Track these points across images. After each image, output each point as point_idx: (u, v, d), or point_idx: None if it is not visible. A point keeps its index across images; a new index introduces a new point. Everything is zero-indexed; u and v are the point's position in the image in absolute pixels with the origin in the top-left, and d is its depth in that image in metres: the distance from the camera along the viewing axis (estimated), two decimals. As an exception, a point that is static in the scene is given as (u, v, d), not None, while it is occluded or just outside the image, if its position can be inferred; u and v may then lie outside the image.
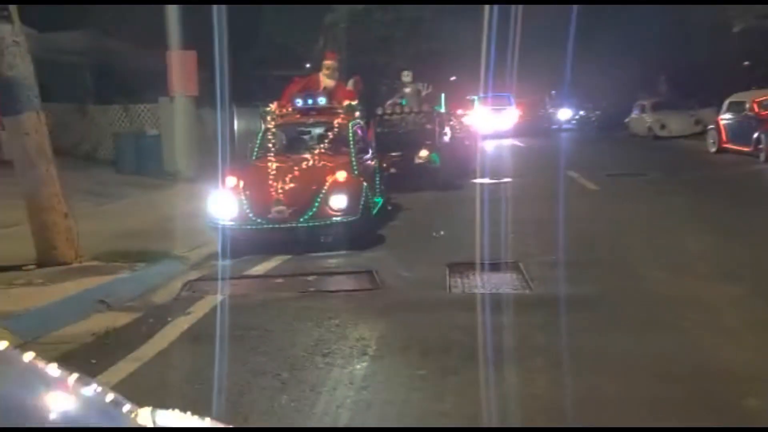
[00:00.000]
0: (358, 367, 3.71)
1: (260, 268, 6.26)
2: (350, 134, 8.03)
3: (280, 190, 6.90)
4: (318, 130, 8.28)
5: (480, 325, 4.32)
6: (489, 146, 21.02)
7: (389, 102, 13.20)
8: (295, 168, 7.26)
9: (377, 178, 9.08)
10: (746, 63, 23.44)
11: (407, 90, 13.55)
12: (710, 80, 24.03)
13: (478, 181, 12.86)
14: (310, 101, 8.34)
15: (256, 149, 8.12)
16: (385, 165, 9.96)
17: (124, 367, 3.79)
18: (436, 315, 4.65)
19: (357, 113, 8.52)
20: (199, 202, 7.78)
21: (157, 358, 3.96)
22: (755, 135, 14.06)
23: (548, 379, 3.43)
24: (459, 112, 24.66)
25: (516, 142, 23.78)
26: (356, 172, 7.81)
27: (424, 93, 13.59)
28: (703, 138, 19.93)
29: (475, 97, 26.45)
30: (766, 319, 4.20)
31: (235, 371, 3.58)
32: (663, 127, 22.21)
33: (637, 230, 7.52)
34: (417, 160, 11.64)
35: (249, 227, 6.84)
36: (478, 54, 18.11)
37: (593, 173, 12.83)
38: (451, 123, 16.00)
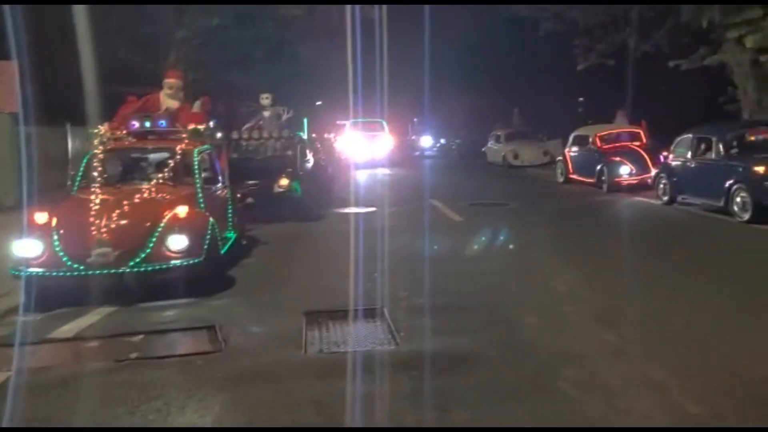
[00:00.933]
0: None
1: (72, 327, 5.08)
2: (195, 162, 7.06)
3: (103, 229, 5.77)
4: (157, 157, 7.21)
5: (337, 398, 3.60)
6: (357, 174, 20.15)
7: (246, 126, 12.27)
8: (126, 201, 6.15)
9: (229, 211, 8.14)
10: (580, 99, 25.37)
11: (266, 113, 12.69)
12: (556, 114, 25.69)
13: (341, 210, 12.30)
14: (147, 124, 7.26)
15: (78, 178, 6.88)
16: (240, 195, 9.03)
17: None
18: (287, 386, 3.86)
19: (204, 138, 7.56)
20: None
21: None
22: (598, 167, 14.88)
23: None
24: (329, 135, 24.20)
25: (384, 170, 22.37)
26: (202, 206, 6.84)
27: (285, 117, 12.79)
28: (552, 168, 21.25)
29: (346, 122, 25.21)
30: (644, 373, 3.88)
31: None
32: (516, 156, 23.24)
33: (504, 267, 7.25)
34: (276, 189, 10.81)
35: (62, 274, 5.63)
36: (344, 78, 17.75)
37: (456, 203, 12.78)
38: (318, 147, 15.41)
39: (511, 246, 8.61)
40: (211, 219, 6.46)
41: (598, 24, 15.51)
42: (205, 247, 6.11)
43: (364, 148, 23.65)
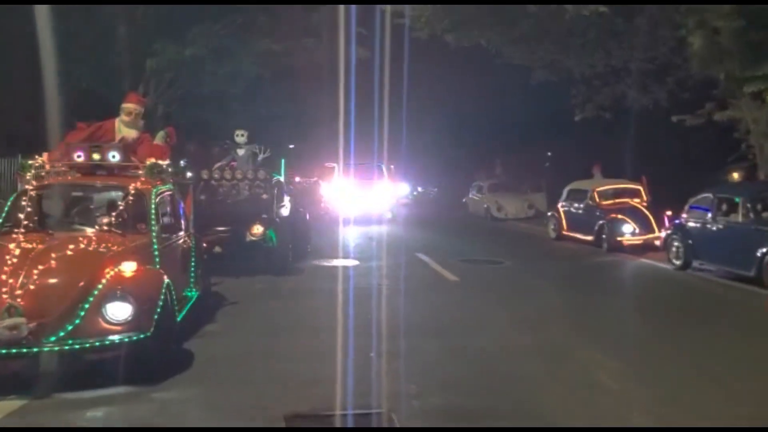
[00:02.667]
0: None
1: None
2: (152, 205, 5.68)
3: (18, 290, 4.32)
4: (104, 198, 5.82)
5: None
6: (346, 231, 16.16)
7: (217, 165, 10.92)
8: (55, 253, 4.72)
9: (192, 264, 6.74)
10: (549, 153, 24.75)
11: (240, 152, 11.40)
12: (540, 166, 24.97)
13: (321, 263, 10.92)
14: (96, 156, 5.87)
15: (0, 220, 5.43)
16: (206, 243, 7.62)
17: None
18: None
19: (165, 176, 6.20)
20: None
21: None
22: (597, 225, 13.87)
23: None
24: (311, 179, 20.75)
25: (381, 227, 17.52)
26: (156, 260, 5.43)
27: (261, 157, 11.50)
28: (537, 222, 20.32)
29: (335, 165, 19.63)
30: None
31: None
32: (499, 209, 22.31)
33: (525, 348, 5.95)
34: (249, 237, 9.41)
35: (-46, 353, 4.14)
36: (329, 116, 16.66)
37: (445, 258, 11.56)
38: (293, 189, 14.03)
39: (521, 316, 7.32)
40: (166, 279, 5.04)
41: (596, 74, 14.75)
42: (156, 317, 4.69)
43: (356, 199, 18.38)
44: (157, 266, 5.39)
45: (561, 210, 15.92)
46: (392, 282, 9.28)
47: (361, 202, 18.42)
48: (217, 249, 9.08)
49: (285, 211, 10.79)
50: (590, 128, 17.22)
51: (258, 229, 9.40)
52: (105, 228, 5.34)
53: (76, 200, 5.85)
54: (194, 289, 6.70)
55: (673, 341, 6.17)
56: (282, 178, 11.82)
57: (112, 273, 4.70)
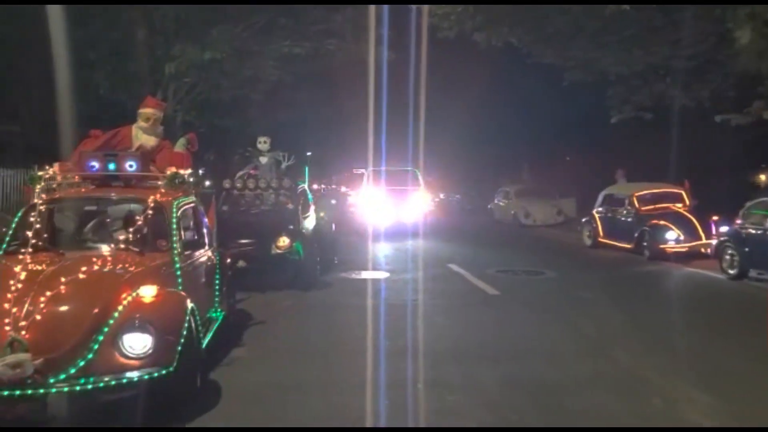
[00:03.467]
0: None
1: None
2: (173, 219, 5.11)
3: (22, 321, 3.77)
4: (121, 212, 5.26)
5: None
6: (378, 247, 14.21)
7: (239, 174, 10.38)
8: (65, 277, 4.15)
9: (217, 282, 6.17)
10: (568, 158, 23.84)
11: (263, 160, 10.85)
12: (569, 170, 24.12)
13: (349, 276, 10.31)
14: (112, 166, 5.33)
15: (7, 238, 4.89)
16: (229, 257, 7.05)
17: None
18: None
19: (187, 187, 5.64)
20: None
21: None
22: (637, 232, 13.12)
23: None
24: (343, 190, 20.24)
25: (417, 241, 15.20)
26: (179, 282, 4.86)
27: (284, 164, 10.95)
28: (566, 228, 19.53)
29: (364, 171, 17.70)
30: None
31: None
32: (527, 215, 21.56)
33: (591, 373, 5.26)
34: (275, 250, 8.83)
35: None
36: (347, 122, 16.05)
37: (480, 269, 10.90)
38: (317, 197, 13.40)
39: (577, 335, 6.64)
40: (190, 304, 4.45)
41: (635, 73, 14.00)
42: (179, 348, 4.10)
43: (388, 208, 16.37)
44: (180, 288, 4.81)
45: (597, 216, 15.16)
46: (428, 297, 8.65)
47: (392, 212, 16.35)
48: (241, 263, 8.49)
49: (311, 222, 10.21)
50: (624, 130, 16.48)
51: (284, 241, 8.82)
52: (122, 246, 4.78)
53: (89, 215, 5.31)
54: (219, 310, 6.14)
55: (763, 368, 5.45)
56: (306, 186, 11.28)
57: (129, 299, 4.13)
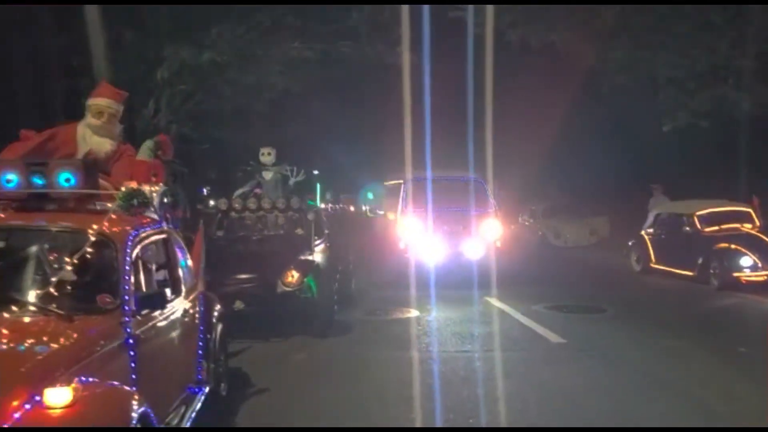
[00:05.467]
0: None
1: None
2: (126, 261, 3.33)
3: None
4: (47, 250, 3.47)
5: None
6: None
7: (238, 192, 8.63)
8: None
9: (200, 344, 4.40)
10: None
11: (267, 175, 9.05)
12: (602, 186, 22.23)
13: (371, 318, 8.44)
14: (38, 180, 3.56)
15: None
16: (218, 306, 5.20)
17: None
18: None
19: (151, 212, 3.87)
20: None
21: None
22: (702, 257, 11.26)
23: None
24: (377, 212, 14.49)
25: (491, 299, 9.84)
26: (129, 364, 3.07)
27: (292, 180, 9.16)
28: (600, 249, 17.67)
29: (401, 182, 11.59)
30: None
31: None
32: (558, 235, 19.77)
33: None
34: (282, 288, 7.04)
35: None
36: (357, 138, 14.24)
37: (526, 303, 9.10)
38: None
39: (693, 405, 4.80)
40: (140, 408, 2.65)
41: (690, 75, 12.23)
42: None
43: (441, 238, 10.73)
44: (131, 375, 3.02)
45: (647, 238, 13.32)
46: (476, 346, 6.82)
47: (447, 243, 10.73)
48: (238, 305, 6.75)
49: (320, 257, 8.32)
50: (671, 140, 14.66)
51: (293, 275, 7.03)
52: (37, 307, 2.99)
53: (2, 253, 3.52)
54: (203, 383, 4.35)
55: None
56: (319, 207, 9.49)
57: (23, 410, 2.33)
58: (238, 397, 5.05)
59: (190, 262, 4.63)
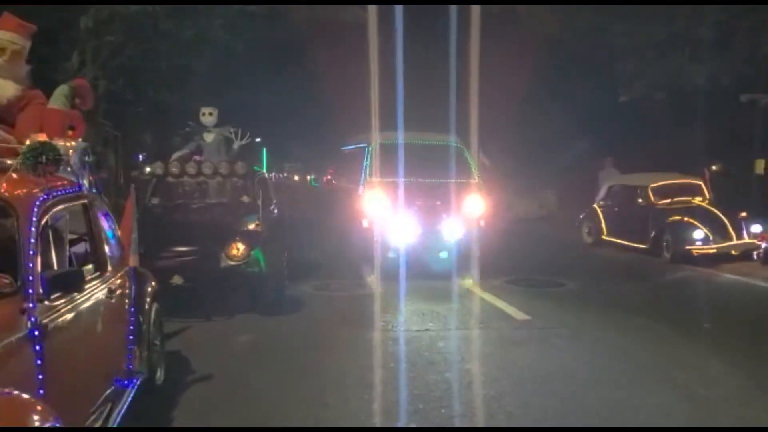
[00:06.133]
0: None
1: None
2: (31, 232, 2.63)
3: None
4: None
5: None
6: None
7: (176, 155, 7.81)
8: None
9: (131, 327, 3.75)
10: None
11: (209, 138, 8.23)
12: (549, 158, 22.16)
13: (324, 292, 7.86)
14: None
15: None
16: (152, 283, 4.51)
17: None
18: None
19: (67, 172, 3.16)
20: None
21: None
22: (654, 230, 11.23)
23: None
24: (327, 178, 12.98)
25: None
26: (36, 360, 2.40)
27: (237, 144, 8.38)
28: (548, 222, 17.68)
29: (365, 146, 9.78)
30: None
31: None
32: (509, 208, 19.62)
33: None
34: (226, 261, 6.35)
35: None
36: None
37: (485, 277, 8.64)
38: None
39: (682, 392, 4.49)
40: (44, 422, 2.01)
41: (650, 44, 12.00)
42: None
43: (413, 215, 8.92)
44: (35, 374, 2.36)
45: (599, 211, 13.24)
46: (442, 323, 6.39)
47: (418, 221, 8.89)
48: (176, 280, 6.06)
49: (273, 218, 7.72)
50: (623, 113, 14.54)
51: (238, 248, 6.34)
52: None
53: None
54: (134, 374, 3.71)
55: None
56: (266, 174, 8.76)
57: None
58: (176, 385, 4.41)
59: (118, 233, 3.94)
